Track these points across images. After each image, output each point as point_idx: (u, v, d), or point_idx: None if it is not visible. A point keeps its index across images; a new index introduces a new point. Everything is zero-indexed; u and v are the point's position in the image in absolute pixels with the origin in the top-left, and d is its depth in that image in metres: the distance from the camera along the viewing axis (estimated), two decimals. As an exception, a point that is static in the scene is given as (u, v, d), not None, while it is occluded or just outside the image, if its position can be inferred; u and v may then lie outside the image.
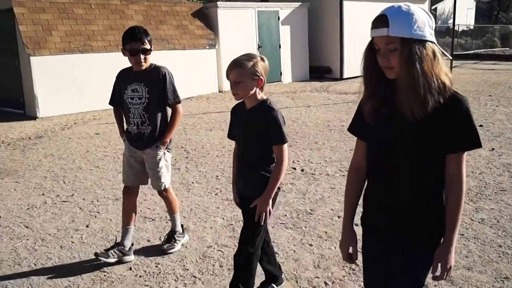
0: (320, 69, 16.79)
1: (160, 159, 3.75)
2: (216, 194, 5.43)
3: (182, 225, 4.14)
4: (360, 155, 2.12)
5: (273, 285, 3.31)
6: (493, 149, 6.90)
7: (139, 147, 3.76)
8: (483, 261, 3.70)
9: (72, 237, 4.40)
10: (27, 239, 4.37)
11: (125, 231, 3.85)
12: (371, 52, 1.90)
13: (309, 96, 13.04)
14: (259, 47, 14.87)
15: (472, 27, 33.59)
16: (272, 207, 2.90)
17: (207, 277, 3.61)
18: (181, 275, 3.64)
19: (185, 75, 12.96)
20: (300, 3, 15.87)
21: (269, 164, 2.87)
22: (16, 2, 10.80)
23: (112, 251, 3.74)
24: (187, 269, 3.70)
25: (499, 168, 6.01)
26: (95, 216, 4.86)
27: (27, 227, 4.67)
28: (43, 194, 5.63)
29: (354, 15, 16.10)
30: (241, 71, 2.73)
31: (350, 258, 2.16)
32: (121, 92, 3.74)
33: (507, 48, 28.52)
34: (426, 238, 1.97)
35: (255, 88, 2.79)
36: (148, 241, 4.28)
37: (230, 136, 3.08)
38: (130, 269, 3.76)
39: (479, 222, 4.43)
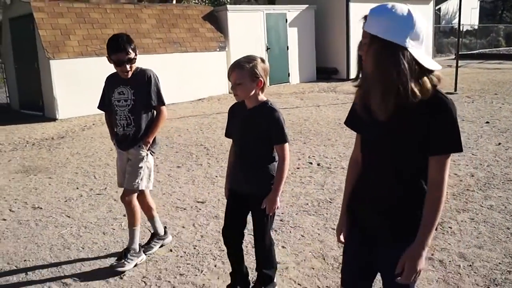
0: (326, 70, 17.14)
1: (141, 159, 3.76)
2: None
3: (140, 243, 3.95)
4: (358, 148, 2.18)
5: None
6: (499, 143, 7.25)
7: (124, 148, 3.82)
8: (492, 241, 4.05)
9: (112, 224, 4.78)
10: (71, 227, 4.74)
11: (152, 222, 4.11)
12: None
13: (317, 96, 13.39)
14: (267, 49, 15.24)
15: (476, 27, 33.91)
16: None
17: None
18: (218, 255, 4.00)
19: (196, 77, 13.36)
20: (307, 6, 16.24)
21: (269, 162, 2.97)
22: (36, 7, 11.21)
23: (152, 242, 4.09)
24: (223, 250, 4.06)
25: (505, 161, 6.35)
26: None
27: (68, 216, 5.05)
28: (77, 188, 6.01)
29: (360, 17, 16.38)
30: (241, 73, 2.80)
31: (342, 242, 2.27)
32: (109, 95, 3.81)
33: (511, 48, 28.81)
34: (404, 234, 1.95)
35: (255, 89, 2.86)
36: (183, 227, 4.64)
37: (228, 135, 3.19)
38: (171, 250, 4.13)
39: (488, 208, 4.77)
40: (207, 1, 24.13)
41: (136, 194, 3.83)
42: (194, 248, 4.17)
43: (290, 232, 4.42)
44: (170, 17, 13.48)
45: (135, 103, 3.71)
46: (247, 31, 14.64)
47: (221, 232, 3.25)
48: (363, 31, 1.87)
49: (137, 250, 3.84)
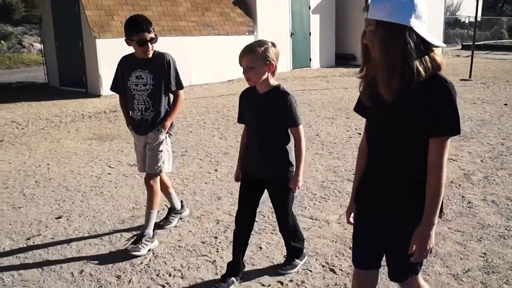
0: (345, 56, 18.02)
1: (161, 142, 3.82)
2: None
3: (154, 229, 3.99)
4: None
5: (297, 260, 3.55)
6: (521, 121, 8.20)
7: (141, 133, 3.83)
8: (531, 190, 4.99)
9: (210, 177, 5.67)
10: (173, 179, 5.63)
11: (169, 198, 4.26)
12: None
13: (342, 80, 14.27)
14: (291, 34, 16.07)
15: (479, 19, 34.74)
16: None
17: (268, 235, 4.81)
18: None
19: (227, 59, 14.14)
20: (328, -6, 17.06)
21: (283, 146, 3.03)
22: (82, -12, 11.96)
23: (170, 217, 4.29)
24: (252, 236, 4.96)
25: (529, 134, 7.32)
26: (218, 164, 6.13)
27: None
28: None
29: (378, 6, 17.25)
30: (253, 57, 2.81)
31: (351, 222, 2.37)
32: (125, 79, 3.78)
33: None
34: (416, 211, 2.01)
35: (266, 73, 2.88)
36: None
37: (240, 120, 3.22)
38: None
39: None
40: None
41: (159, 178, 3.93)
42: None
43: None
44: (204, 1, 14.26)
45: (154, 88, 3.71)
46: (273, 17, 15.46)
47: (235, 216, 3.32)
48: (367, 19, 1.93)
49: (151, 235, 3.87)
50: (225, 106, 10.21)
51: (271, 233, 4.18)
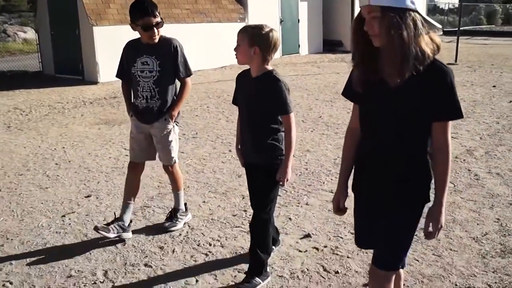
0: (332, 42, 18.31)
1: (169, 133, 3.71)
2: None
3: (185, 204, 4.09)
4: (356, 117, 2.21)
5: (272, 247, 3.41)
6: (510, 101, 8.60)
7: (147, 121, 3.69)
8: (531, 164, 5.34)
9: (226, 157, 5.92)
10: (191, 159, 5.86)
11: (125, 207, 3.84)
12: (359, 22, 1.96)
13: (332, 65, 14.56)
14: (281, 21, 16.28)
15: (457, 6, 35.37)
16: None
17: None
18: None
19: (220, 46, 14.32)
20: (316, -19, 17.29)
21: (274, 133, 2.94)
22: (78, -23, 12.02)
23: (112, 225, 3.72)
24: (279, 208, 5.23)
25: (520, 113, 7.71)
26: (230, 145, 6.36)
27: (182, 152, 6.16)
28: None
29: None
30: (242, 35, 2.83)
31: (339, 211, 2.33)
32: (129, 65, 3.65)
33: (493, 26, 30.36)
34: (408, 202, 2.06)
35: (253, 55, 2.83)
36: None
37: (235, 102, 3.21)
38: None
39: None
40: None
41: (177, 165, 3.94)
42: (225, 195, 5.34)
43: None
44: (196, -11, 14.39)
45: (161, 74, 3.59)
46: (263, 4, 15.64)
47: (250, 202, 3.24)
48: (369, 6, 1.88)
49: (184, 210, 4.02)
50: (224, 91, 10.42)
51: (297, 206, 4.45)
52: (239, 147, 3.19)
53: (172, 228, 3.91)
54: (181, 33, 12.90)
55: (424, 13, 1.90)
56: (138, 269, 3.45)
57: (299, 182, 5.03)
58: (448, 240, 3.68)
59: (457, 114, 1.95)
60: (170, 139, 3.74)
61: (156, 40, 3.57)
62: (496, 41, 20.77)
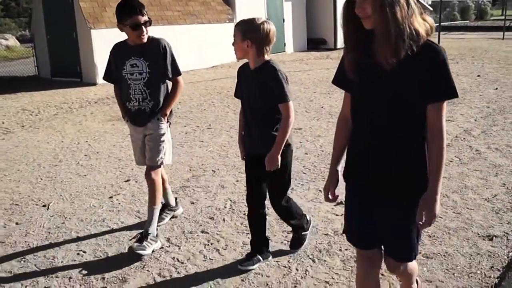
0: (315, 40, 18.88)
1: (162, 133, 3.63)
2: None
3: (157, 227, 3.77)
4: (347, 106, 2.18)
5: (303, 233, 3.52)
6: (496, 88, 9.26)
7: (140, 124, 3.62)
8: (524, 140, 5.94)
9: (231, 148, 6.37)
10: (212, 147, 6.31)
11: (164, 193, 3.95)
12: (349, 6, 1.94)
13: (319, 62, 15.12)
14: (267, 20, 16.77)
15: (430, 2, 36.41)
16: (290, 165, 3.12)
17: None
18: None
19: (210, 46, 14.78)
20: (299, -19, 17.88)
21: (277, 123, 2.98)
22: (75, -19, 12.34)
23: (163, 214, 3.98)
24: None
25: (507, 98, 8.37)
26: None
27: (201, 141, 6.60)
28: (185, 126, 7.53)
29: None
30: (236, 31, 2.91)
31: (330, 199, 2.30)
32: (118, 68, 3.57)
33: (467, 21, 31.42)
34: (403, 190, 2.02)
35: (247, 49, 2.89)
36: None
37: (237, 95, 3.22)
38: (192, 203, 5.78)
39: (510, 123, 6.68)
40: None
41: (160, 171, 3.73)
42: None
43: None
44: (186, -9, 14.81)
45: (151, 76, 3.50)
46: (250, 5, 16.12)
47: (246, 197, 3.35)
48: None
49: (155, 234, 3.64)
50: (223, 88, 10.86)
51: (323, 180, 4.92)
52: (242, 140, 3.24)
53: (140, 251, 3.48)
54: (173, 34, 13.33)
55: None
56: (197, 235, 3.89)
57: (319, 162, 5.53)
58: (463, 201, 4.21)
59: (452, 93, 1.91)
60: (162, 139, 3.62)
61: (145, 40, 3.47)
62: (471, 35, 21.65)
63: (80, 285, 3.25)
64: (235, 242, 3.74)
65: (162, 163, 3.67)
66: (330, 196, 2.29)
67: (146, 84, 3.52)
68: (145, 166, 3.73)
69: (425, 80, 1.88)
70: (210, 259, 3.50)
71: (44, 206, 4.66)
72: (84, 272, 3.42)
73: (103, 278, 3.32)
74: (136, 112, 3.59)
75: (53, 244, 3.87)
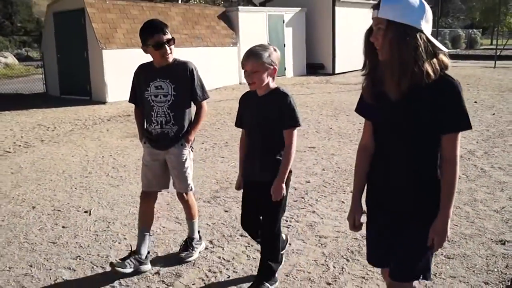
0: (314, 65, 19.49)
1: (186, 159, 3.56)
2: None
3: (198, 231, 3.96)
4: (367, 134, 2.23)
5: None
6: (493, 114, 9.80)
7: (161, 147, 3.53)
8: (524, 160, 6.42)
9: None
10: (234, 162, 6.71)
11: (141, 238, 3.69)
12: (370, 33, 1.99)
13: (319, 86, 15.65)
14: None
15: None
16: (287, 190, 3.06)
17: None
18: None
19: (214, 69, 15.28)
20: (300, 8, 18.52)
21: (279, 151, 3.01)
22: (88, 3, 12.83)
23: (128, 260, 3.56)
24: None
25: (505, 122, 8.91)
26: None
27: (222, 157, 7.01)
28: (203, 143, 7.94)
29: (345, 18, 18.99)
30: (258, 61, 2.85)
31: (355, 227, 2.32)
32: (142, 89, 3.51)
33: (458, 50, 32.38)
34: (422, 213, 2.06)
35: (269, 76, 2.93)
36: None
37: (239, 124, 3.20)
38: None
39: (510, 145, 7.17)
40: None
41: (192, 192, 3.78)
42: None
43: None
44: (193, 16, 15.37)
45: (176, 99, 3.44)
46: (253, 30, 16.72)
47: (240, 220, 3.41)
48: (377, 18, 1.93)
49: (198, 239, 3.87)
50: (232, 109, 11.30)
51: (343, 193, 5.35)
52: (241, 169, 3.26)
53: (189, 259, 3.76)
54: (180, 56, 13.83)
55: (429, 35, 1.93)
56: (237, 238, 4.27)
57: (337, 177, 5.95)
58: (475, 212, 4.65)
59: (466, 125, 1.96)
60: (186, 165, 3.57)
61: (170, 60, 3.45)
62: (464, 64, 22.37)
63: (138, 279, 3.60)
64: (273, 244, 4.12)
65: (191, 189, 3.68)
66: (355, 224, 2.32)
67: (171, 107, 3.45)
68: (151, 191, 3.73)
69: (441, 112, 1.93)
70: (253, 258, 3.87)
71: (85, 212, 5.01)
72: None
73: (158, 273, 3.67)
74: (159, 135, 3.50)
75: (103, 245, 4.22)
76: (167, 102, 3.44)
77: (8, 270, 3.80)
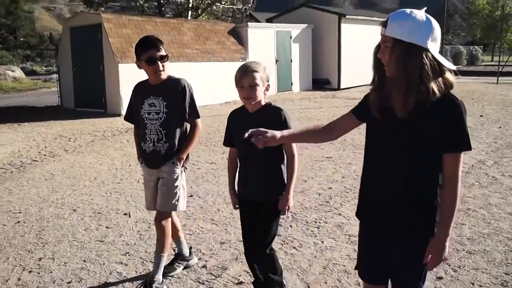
0: (320, 80, 19.95)
1: (177, 178, 3.45)
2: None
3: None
4: (341, 122, 2.38)
5: None
6: (500, 127, 10.21)
7: (153, 166, 3.49)
8: (532, 169, 6.79)
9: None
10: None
11: (177, 241, 3.87)
12: (379, 50, 2.01)
13: (326, 101, 16.07)
14: (276, 61, 17.83)
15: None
16: None
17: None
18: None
19: (224, 82, 15.67)
20: (306, 25, 19.03)
21: (278, 166, 2.96)
22: (105, 18, 13.29)
23: (176, 263, 3.84)
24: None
25: (511, 136, 9.27)
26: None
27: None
28: (223, 153, 8.29)
29: (350, 35, 19.50)
30: (257, 76, 2.84)
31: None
32: (137, 107, 3.48)
33: (460, 66, 32.96)
34: (417, 228, 2.06)
35: (264, 92, 2.92)
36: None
37: (228, 143, 3.13)
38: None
39: (518, 157, 7.58)
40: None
41: (171, 218, 3.58)
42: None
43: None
44: (204, 31, 15.83)
45: (168, 116, 3.38)
46: (262, 45, 17.20)
47: (242, 238, 3.27)
48: (384, 36, 1.94)
49: (161, 281, 3.55)
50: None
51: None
52: (234, 188, 3.19)
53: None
54: (192, 70, 14.36)
55: (436, 53, 1.94)
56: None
57: (357, 184, 6.23)
58: (490, 214, 5.01)
59: (467, 146, 1.97)
60: (176, 184, 3.46)
61: (162, 76, 3.38)
62: (466, 79, 22.85)
63: (188, 272, 3.93)
64: (307, 242, 4.47)
65: (174, 208, 3.51)
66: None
67: (162, 125, 3.40)
68: (155, 211, 3.60)
69: (443, 130, 1.93)
70: (290, 253, 4.22)
71: (125, 214, 5.35)
72: (188, 262, 4.10)
73: (205, 267, 4.01)
74: (151, 153, 3.45)
75: (148, 243, 4.54)
76: (159, 119, 3.40)
77: (64, 265, 4.12)
